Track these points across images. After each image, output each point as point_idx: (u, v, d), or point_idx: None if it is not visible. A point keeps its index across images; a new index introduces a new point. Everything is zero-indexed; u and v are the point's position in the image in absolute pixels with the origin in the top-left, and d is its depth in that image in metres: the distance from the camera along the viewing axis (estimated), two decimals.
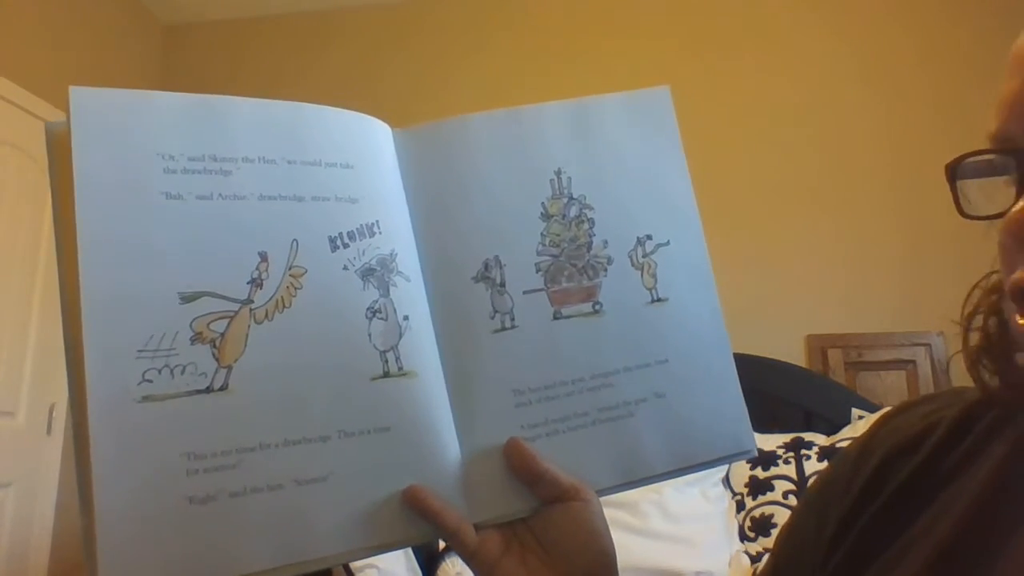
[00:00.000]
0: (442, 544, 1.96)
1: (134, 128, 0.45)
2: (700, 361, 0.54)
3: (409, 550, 1.77)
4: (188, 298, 0.43)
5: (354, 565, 1.67)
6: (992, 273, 0.42)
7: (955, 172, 0.39)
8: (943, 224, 2.60)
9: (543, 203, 0.54)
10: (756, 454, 0.54)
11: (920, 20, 2.75)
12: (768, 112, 2.80)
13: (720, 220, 2.66)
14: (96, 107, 0.44)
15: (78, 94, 0.44)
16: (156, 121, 0.46)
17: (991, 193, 0.38)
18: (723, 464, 0.55)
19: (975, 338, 0.42)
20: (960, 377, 0.45)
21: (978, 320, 0.42)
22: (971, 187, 0.39)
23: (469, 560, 0.47)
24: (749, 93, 2.81)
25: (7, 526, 2.44)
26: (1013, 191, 0.36)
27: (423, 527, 0.46)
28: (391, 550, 0.46)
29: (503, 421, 0.49)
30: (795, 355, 2.59)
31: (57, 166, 0.44)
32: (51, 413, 2.64)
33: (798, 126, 2.78)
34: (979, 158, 0.38)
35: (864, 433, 0.49)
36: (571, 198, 0.54)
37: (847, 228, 2.68)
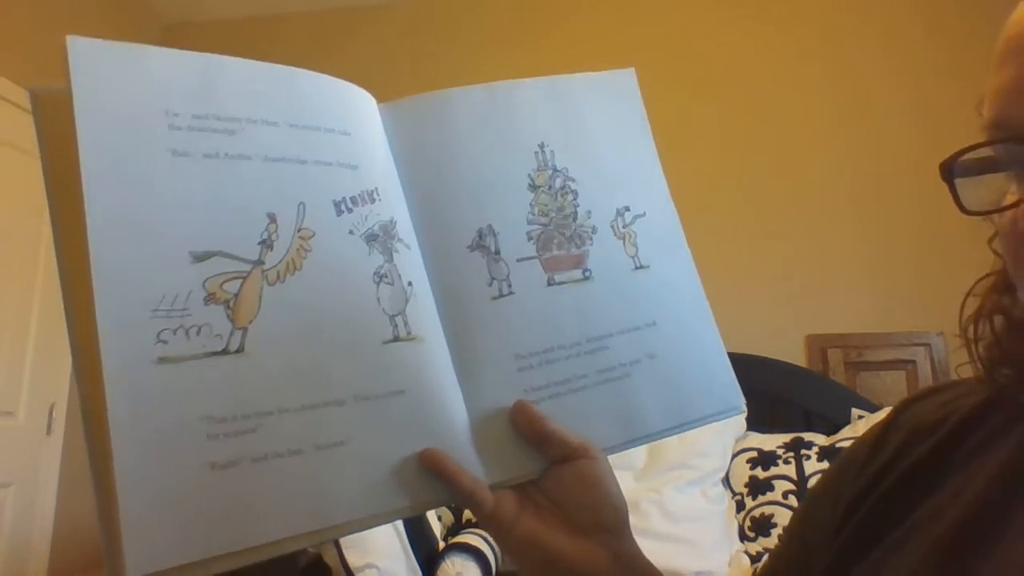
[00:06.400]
0: (442, 544, 1.96)
1: (137, 82, 0.44)
2: (684, 322, 0.57)
3: (409, 550, 1.77)
4: (200, 257, 0.42)
5: (354, 564, 1.67)
6: (987, 276, 0.42)
7: (951, 171, 0.38)
8: (943, 224, 2.61)
9: (530, 174, 0.56)
10: (745, 411, 0.56)
11: (925, 24, 2.75)
12: (768, 113, 2.81)
13: (720, 221, 2.67)
14: (97, 59, 0.43)
15: (77, 46, 0.42)
16: (158, 76, 0.45)
17: (992, 186, 0.37)
18: (716, 420, 0.56)
19: (979, 339, 0.41)
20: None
21: (979, 327, 0.41)
22: (969, 184, 0.37)
23: (487, 522, 0.48)
24: (747, 96, 2.81)
25: (7, 526, 2.44)
26: (1014, 184, 0.35)
27: (440, 491, 0.46)
28: (410, 515, 0.46)
29: (507, 385, 0.50)
30: (795, 355, 2.59)
31: (50, 128, 0.42)
32: (51, 413, 2.64)
33: (798, 127, 2.78)
34: (975, 154, 0.37)
35: (883, 419, 0.49)
36: (555, 170, 0.57)
37: (847, 228, 2.68)
